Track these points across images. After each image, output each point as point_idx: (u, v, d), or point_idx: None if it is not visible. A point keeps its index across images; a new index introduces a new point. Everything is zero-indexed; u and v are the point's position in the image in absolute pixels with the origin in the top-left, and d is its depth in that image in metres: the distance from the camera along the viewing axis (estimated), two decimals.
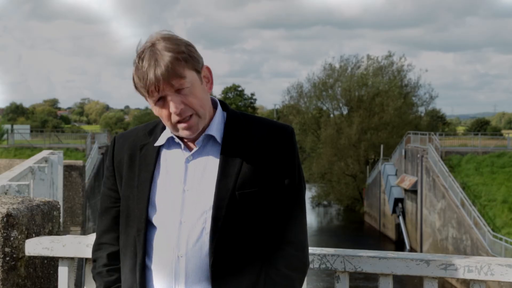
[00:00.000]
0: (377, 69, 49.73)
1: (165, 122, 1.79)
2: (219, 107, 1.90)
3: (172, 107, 1.74)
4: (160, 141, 1.88)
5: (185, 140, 1.86)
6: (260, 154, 1.81)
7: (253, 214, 1.80)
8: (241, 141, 1.83)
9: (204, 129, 1.84)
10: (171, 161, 1.86)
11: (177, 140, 1.85)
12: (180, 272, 1.78)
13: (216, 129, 1.85)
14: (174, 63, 1.72)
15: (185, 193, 1.81)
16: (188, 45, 1.78)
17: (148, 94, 1.74)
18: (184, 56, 1.74)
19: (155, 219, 1.83)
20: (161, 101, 1.75)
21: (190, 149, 1.85)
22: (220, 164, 1.80)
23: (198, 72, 1.79)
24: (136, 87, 1.78)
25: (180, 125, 1.77)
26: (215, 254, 1.77)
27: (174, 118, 1.76)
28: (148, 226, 1.83)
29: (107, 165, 1.97)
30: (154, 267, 1.82)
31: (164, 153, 1.88)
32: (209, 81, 1.85)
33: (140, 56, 1.74)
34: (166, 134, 1.88)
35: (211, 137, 1.84)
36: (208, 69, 1.84)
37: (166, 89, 1.72)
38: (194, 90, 1.76)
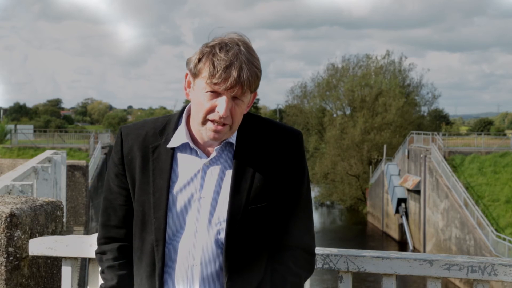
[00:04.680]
0: (378, 68, 49.69)
1: (199, 111, 1.77)
2: None
3: (222, 110, 1.73)
4: (174, 143, 1.86)
5: (202, 144, 1.86)
6: (271, 161, 1.84)
7: (265, 224, 1.85)
8: (253, 148, 1.85)
9: None
10: (187, 167, 1.85)
11: (192, 146, 1.84)
12: (195, 280, 1.81)
13: (235, 136, 1.86)
14: (255, 77, 1.76)
15: (201, 200, 1.82)
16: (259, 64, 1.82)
17: (211, 83, 1.72)
18: (260, 75, 1.80)
19: (173, 228, 1.83)
20: (215, 94, 1.75)
21: (207, 154, 1.86)
22: (233, 177, 1.82)
23: (252, 92, 1.82)
24: (196, 65, 1.76)
25: (211, 125, 1.77)
26: (229, 271, 1.80)
27: (214, 116, 1.75)
28: (166, 235, 1.83)
29: (115, 162, 1.93)
30: (170, 274, 1.84)
31: (179, 157, 1.87)
32: (249, 105, 1.87)
33: (223, 48, 1.74)
34: (180, 138, 1.86)
35: (228, 144, 1.86)
36: (255, 95, 1.87)
37: (233, 91, 1.73)
38: (243, 106, 1.80)
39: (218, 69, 1.71)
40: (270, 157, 1.85)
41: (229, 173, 1.83)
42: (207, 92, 1.75)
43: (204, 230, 1.81)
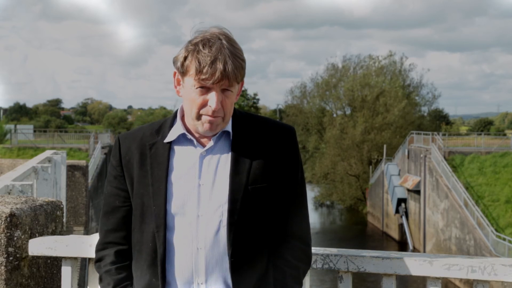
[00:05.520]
0: (379, 68, 49.68)
1: (192, 107, 1.84)
2: None
3: (214, 103, 1.80)
4: (171, 137, 1.92)
5: (197, 136, 1.91)
6: (267, 152, 1.91)
7: (264, 208, 1.89)
8: (249, 139, 1.91)
9: None
10: (184, 157, 1.91)
11: (189, 136, 1.90)
12: (200, 264, 1.85)
13: (230, 125, 1.93)
14: (240, 68, 1.82)
15: (201, 187, 1.87)
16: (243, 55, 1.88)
17: (199, 78, 1.79)
18: (244, 65, 1.86)
19: (173, 214, 1.87)
20: (204, 89, 1.81)
21: (203, 145, 1.91)
22: (232, 160, 1.88)
23: (239, 83, 1.88)
24: (183, 64, 1.83)
25: (206, 118, 1.83)
26: (233, 246, 1.84)
27: (206, 110, 1.82)
28: (166, 221, 1.87)
29: (113, 165, 1.98)
30: (172, 260, 1.87)
31: (176, 149, 1.92)
32: (238, 93, 1.92)
33: (206, 43, 1.80)
34: (177, 130, 1.92)
35: (224, 133, 1.91)
36: (243, 83, 1.93)
37: (221, 84, 1.80)
38: (232, 95, 1.86)
39: (204, 65, 1.78)
40: (265, 148, 1.91)
41: (226, 160, 1.89)
42: (197, 88, 1.82)
43: (207, 214, 1.86)
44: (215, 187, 1.87)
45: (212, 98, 1.80)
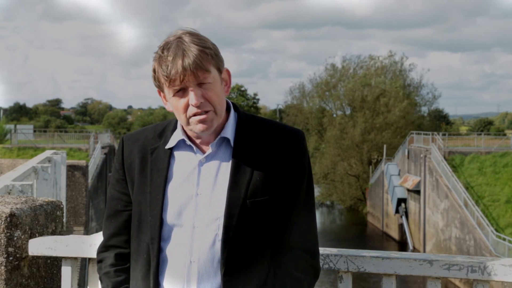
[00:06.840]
0: (379, 68, 49.70)
1: (180, 115, 1.78)
2: (232, 109, 1.90)
3: (193, 99, 1.73)
4: (171, 143, 1.87)
5: (198, 143, 1.85)
6: (271, 159, 1.82)
7: (264, 221, 1.82)
8: (252, 146, 1.83)
9: (218, 131, 1.84)
10: (183, 164, 1.85)
11: (188, 142, 1.84)
12: (192, 277, 1.80)
13: (230, 131, 1.85)
14: (202, 56, 1.73)
15: (198, 196, 1.81)
16: (213, 44, 1.81)
17: (169, 84, 1.74)
18: (211, 52, 1.76)
19: (169, 224, 1.83)
20: (181, 92, 1.75)
21: (202, 151, 1.85)
22: (232, 171, 1.80)
23: (220, 71, 1.81)
24: (155, 77, 1.78)
25: (195, 118, 1.76)
26: (226, 264, 1.78)
27: (191, 110, 1.75)
28: (161, 232, 1.83)
29: (116, 168, 1.94)
30: (165, 272, 1.82)
31: (176, 155, 1.87)
32: (227, 84, 1.86)
33: (165, 47, 1.75)
34: (177, 136, 1.87)
35: (224, 140, 1.85)
36: (228, 72, 1.86)
37: (190, 80, 1.73)
38: (214, 87, 1.77)
39: (166, 68, 1.72)
40: (269, 155, 1.83)
41: (226, 169, 1.82)
42: (174, 96, 1.77)
43: (202, 226, 1.80)
44: (213, 198, 1.80)
45: (191, 97, 1.74)
